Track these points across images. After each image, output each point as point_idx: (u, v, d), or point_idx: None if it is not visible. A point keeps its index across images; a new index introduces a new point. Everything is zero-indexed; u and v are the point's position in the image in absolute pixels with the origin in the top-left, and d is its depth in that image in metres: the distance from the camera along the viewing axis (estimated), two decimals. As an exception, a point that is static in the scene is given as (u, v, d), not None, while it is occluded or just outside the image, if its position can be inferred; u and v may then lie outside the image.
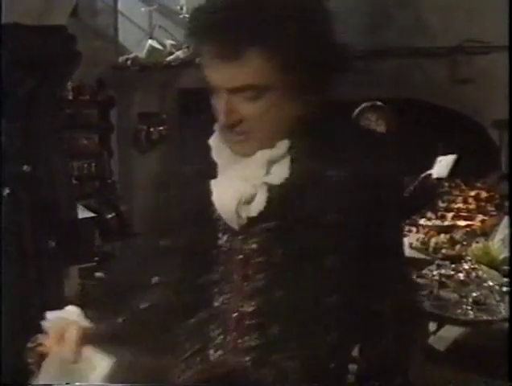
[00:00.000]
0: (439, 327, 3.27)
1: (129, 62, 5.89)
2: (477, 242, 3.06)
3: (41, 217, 1.78)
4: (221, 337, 1.19)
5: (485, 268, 2.77)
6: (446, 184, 5.23)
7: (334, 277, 1.16)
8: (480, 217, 4.44)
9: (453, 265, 2.79)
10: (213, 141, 1.19)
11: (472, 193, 5.02)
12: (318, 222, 1.12)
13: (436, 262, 2.96)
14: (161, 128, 6.28)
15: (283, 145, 1.13)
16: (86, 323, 1.20)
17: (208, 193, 1.15)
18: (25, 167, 1.74)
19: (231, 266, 1.17)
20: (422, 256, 3.36)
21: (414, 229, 3.80)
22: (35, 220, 1.79)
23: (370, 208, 1.15)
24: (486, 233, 3.39)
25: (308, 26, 1.08)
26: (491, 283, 2.57)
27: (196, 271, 1.20)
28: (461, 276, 2.53)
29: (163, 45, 5.84)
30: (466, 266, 2.58)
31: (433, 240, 3.38)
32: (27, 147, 1.75)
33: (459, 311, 2.44)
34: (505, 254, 2.91)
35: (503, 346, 2.26)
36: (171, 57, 5.71)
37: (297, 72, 1.07)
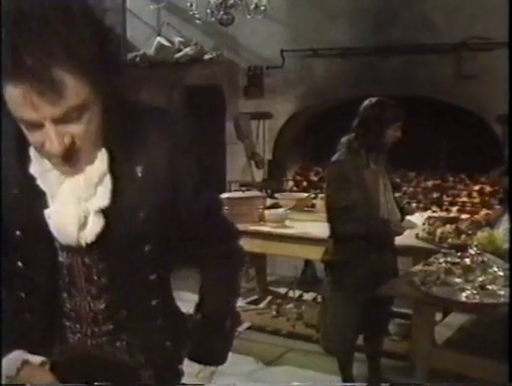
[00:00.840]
0: (444, 316, 3.36)
1: (137, 59, 5.97)
2: (483, 231, 3.12)
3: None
4: (78, 325, 1.31)
5: (489, 255, 2.85)
6: (451, 179, 5.33)
7: (151, 261, 1.31)
8: (484, 211, 4.53)
9: (459, 253, 2.87)
10: (34, 169, 1.19)
11: (477, 187, 5.12)
12: (136, 218, 1.23)
13: (442, 250, 3.04)
14: (168, 124, 6.34)
15: (104, 157, 1.18)
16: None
17: (42, 221, 1.19)
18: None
19: (75, 274, 1.27)
20: (428, 245, 3.44)
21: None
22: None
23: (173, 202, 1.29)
24: (491, 224, 3.46)
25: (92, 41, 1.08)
26: (496, 269, 2.64)
27: (44, 280, 1.27)
28: (467, 261, 2.60)
29: (172, 42, 5.92)
30: (472, 251, 2.65)
31: (439, 231, 3.44)
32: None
33: (465, 295, 2.51)
34: (509, 244, 2.99)
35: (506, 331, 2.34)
36: (180, 54, 5.79)
37: (95, 82, 1.09)
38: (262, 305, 4.53)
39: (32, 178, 1.19)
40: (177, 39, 5.89)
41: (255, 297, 4.70)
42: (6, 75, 1.02)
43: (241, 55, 5.76)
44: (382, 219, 3.16)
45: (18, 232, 1.21)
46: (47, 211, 1.19)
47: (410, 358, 3.49)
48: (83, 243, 1.20)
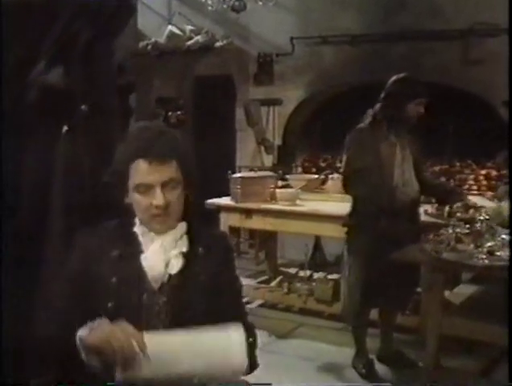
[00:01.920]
0: (454, 285, 3.45)
1: (149, 47, 6.07)
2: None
3: (97, 156, 1.98)
4: None
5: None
6: (458, 164, 5.42)
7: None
8: (490, 194, 4.60)
9: (468, 225, 2.95)
10: (138, 228, 1.74)
11: (483, 172, 5.21)
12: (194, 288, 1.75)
13: (452, 223, 3.12)
14: (179, 112, 6.43)
15: (183, 225, 1.73)
16: None
17: (139, 265, 1.69)
18: (83, 107, 1.95)
19: (150, 312, 1.71)
20: (437, 220, 3.53)
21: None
22: (92, 158, 1.99)
23: None
24: (499, 199, 3.55)
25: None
26: (504, 236, 2.73)
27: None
28: (477, 226, 2.70)
29: (183, 30, 6.01)
30: (481, 217, 2.74)
31: (447, 207, 3.52)
32: (85, 89, 1.96)
33: (474, 259, 2.60)
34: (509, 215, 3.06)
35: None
36: (191, 42, 5.89)
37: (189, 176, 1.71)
38: (273, 284, 4.62)
39: (135, 235, 1.73)
40: (188, 28, 5.98)
41: (266, 277, 4.80)
42: (139, 155, 1.63)
43: (251, 43, 5.85)
44: (390, 187, 3.28)
45: (114, 279, 1.68)
46: (143, 256, 1.70)
47: (420, 331, 3.60)
48: (167, 274, 1.69)
